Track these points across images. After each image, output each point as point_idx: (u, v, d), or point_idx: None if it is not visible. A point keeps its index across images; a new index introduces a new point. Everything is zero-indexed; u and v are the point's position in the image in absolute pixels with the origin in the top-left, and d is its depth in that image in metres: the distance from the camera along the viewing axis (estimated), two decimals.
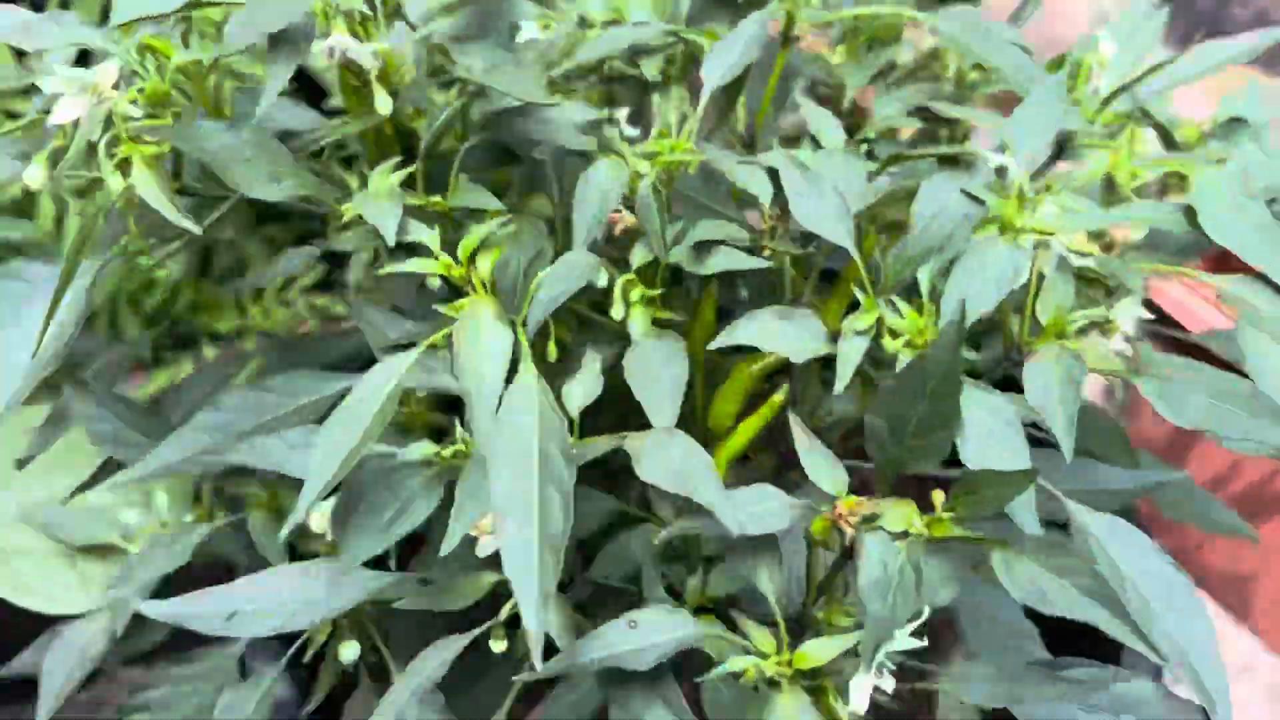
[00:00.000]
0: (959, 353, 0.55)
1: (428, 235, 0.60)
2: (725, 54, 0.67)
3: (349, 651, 0.67)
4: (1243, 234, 0.63)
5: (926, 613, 0.55)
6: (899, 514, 0.58)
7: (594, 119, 0.66)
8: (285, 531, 0.54)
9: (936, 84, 0.76)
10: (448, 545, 0.55)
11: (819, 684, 0.57)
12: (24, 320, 0.60)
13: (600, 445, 0.58)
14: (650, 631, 0.56)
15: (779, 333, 0.61)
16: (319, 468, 0.54)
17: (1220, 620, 1.01)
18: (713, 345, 0.61)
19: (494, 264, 0.60)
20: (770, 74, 0.77)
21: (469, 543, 0.61)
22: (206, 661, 0.75)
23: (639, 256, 0.65)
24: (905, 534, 0.57)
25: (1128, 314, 0.65)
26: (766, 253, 0.67)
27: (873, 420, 0.58)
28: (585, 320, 0.68)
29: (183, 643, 0.75)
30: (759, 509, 0.57)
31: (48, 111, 0.56)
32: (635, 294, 0.65)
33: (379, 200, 0.60)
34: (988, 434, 0.56)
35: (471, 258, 0.60)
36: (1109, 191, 0.70)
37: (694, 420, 0.71)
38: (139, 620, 0.67)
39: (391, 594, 0.61)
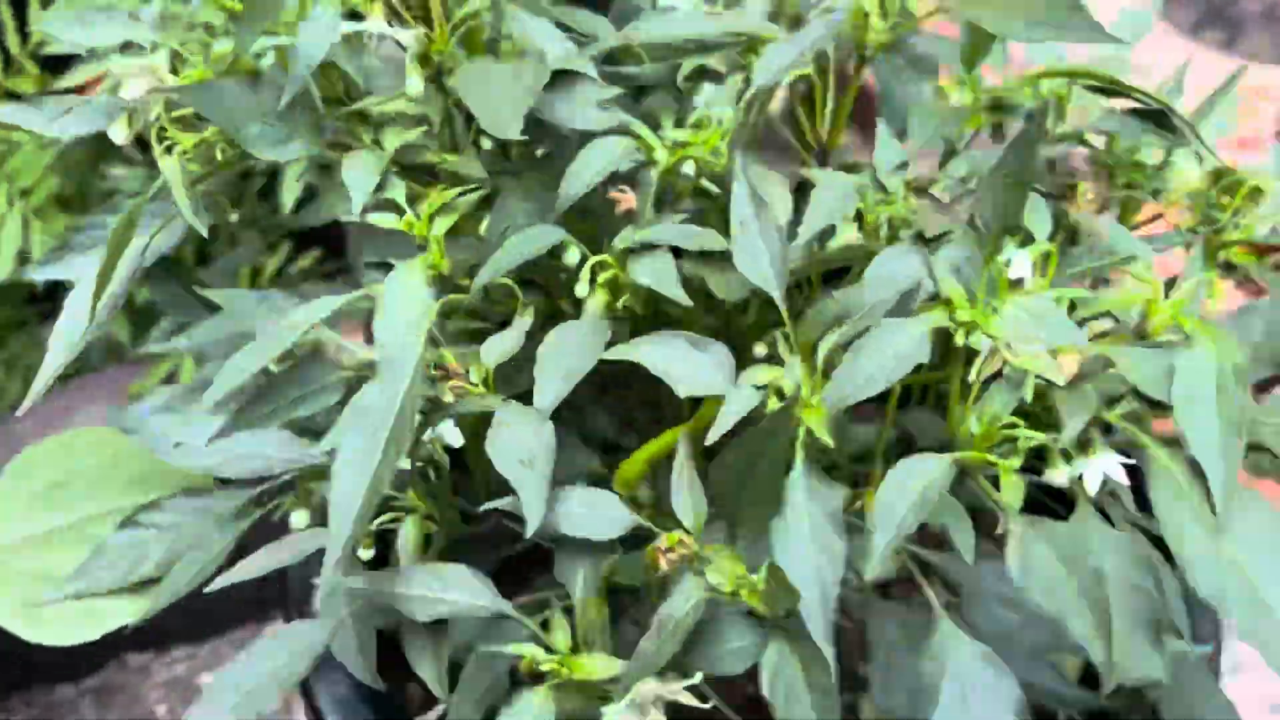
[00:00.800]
0: (782, 442, 0.54)
1: (396, 191, 0.63)
2: (778, 56, 0.65)
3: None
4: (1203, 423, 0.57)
5: (698, 678, 0.56)
6: (724, 567, 0.58)
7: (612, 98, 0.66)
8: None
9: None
10: None
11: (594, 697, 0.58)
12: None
13: (472, 404, 0.61)
14: (451, 590, 0.59)
15: (683, 361, 0.59)
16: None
17: None
18: (607, 355, 0.61)
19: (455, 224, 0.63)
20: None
21: None
22: None
23: (623, 240, 0.65)
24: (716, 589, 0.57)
25: (1095, 470, 0.60)
26: None
27: (716, 478, 0.57)
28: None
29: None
30: (583, 514, 0.58)
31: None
32: (604, 276, 0.65)
33: (360, 162, 0.63)
34: (804, 525, 0.55)
35: (432, 218, 0.63)
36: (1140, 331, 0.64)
37: None
38: None
39: None
